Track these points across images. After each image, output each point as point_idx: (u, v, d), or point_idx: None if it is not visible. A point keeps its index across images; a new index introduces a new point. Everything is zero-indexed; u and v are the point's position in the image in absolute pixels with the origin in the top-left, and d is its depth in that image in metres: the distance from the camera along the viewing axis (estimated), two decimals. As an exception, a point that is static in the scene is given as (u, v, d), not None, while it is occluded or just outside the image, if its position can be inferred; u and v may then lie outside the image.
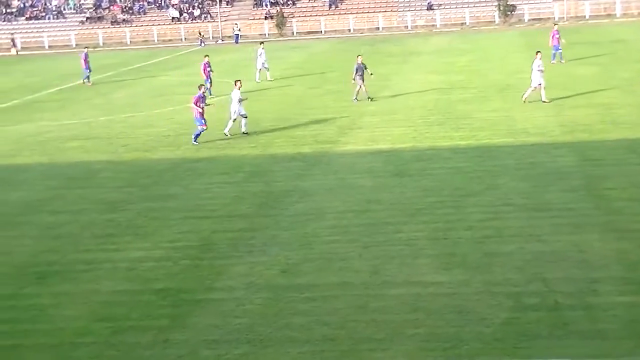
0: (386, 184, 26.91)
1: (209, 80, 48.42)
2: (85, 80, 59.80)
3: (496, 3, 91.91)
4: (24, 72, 74.55)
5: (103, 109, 47.37)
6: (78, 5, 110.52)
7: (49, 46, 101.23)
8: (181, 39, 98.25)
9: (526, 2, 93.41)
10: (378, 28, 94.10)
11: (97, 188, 28.92)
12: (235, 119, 35.96)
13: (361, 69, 42.27)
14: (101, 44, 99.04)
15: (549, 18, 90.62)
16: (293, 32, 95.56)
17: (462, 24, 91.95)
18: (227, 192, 27.16)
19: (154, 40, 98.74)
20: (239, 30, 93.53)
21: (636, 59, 52.89)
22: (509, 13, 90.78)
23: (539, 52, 40.60)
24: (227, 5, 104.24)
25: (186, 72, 65.15)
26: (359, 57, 42.68)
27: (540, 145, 30.82)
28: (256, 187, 27.50)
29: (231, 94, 36.11)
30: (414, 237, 21.37)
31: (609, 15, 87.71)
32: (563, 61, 53.66)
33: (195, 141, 34.94)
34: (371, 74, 42.83)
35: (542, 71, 39.18)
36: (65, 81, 63.19)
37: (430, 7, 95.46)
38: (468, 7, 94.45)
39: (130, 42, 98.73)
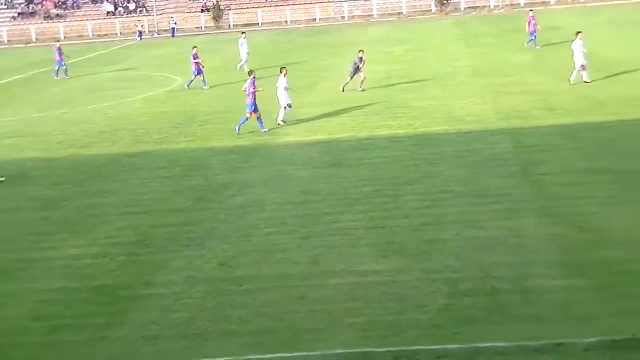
0: (324, 174, 26.92)
1: (198, 71, 47.61)
2: (58, 75, 58.32)
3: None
4: (-44, 70, 73.39)
5: (37, 106, 46.76)
6: (9, 0, 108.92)
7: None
8: (116, 34, 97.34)
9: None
10: (315, 19, 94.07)
11: (31, 185, 28.56)
12: (285, 107, 35.39)
13: (357, 65, 41.59)
14: (34, 40, 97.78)
15: (484, 6, 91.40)
16: (230, 25, 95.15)
17: (398, 13, 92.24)
18: (164, 187, 26.98)
19: (88, 35, 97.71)
20: (175, 23, 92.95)
21: (569, 45, 53.41)
22: (445, 2, 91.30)
23: (579, 32, 40.39)
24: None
25: (122, 66, 64.55)
26: (361, 51, 42.03)
27: (476, 132, 31.04)
28: (194, 181, 27.36)
29: (276, 82, 35.43)
30: (352, 226, 21.41)
31: (543, 3, 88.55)
32: (538, 47, 53.79)
33: (238, 129, 34.18)
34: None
35: (583, 52, 39.17)
36: (-1, 78, 62.28)
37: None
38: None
39: (65, 37, 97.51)
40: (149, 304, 17.58)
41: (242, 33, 56.46)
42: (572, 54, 39.58)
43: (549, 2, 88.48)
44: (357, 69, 41.46)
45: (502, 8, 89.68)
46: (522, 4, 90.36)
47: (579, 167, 25.38)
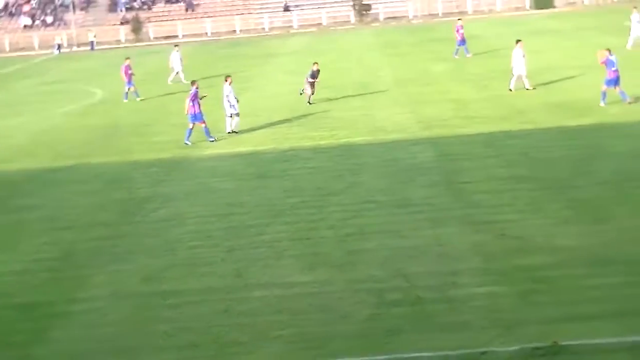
0: (248, 186, 26.89)
1: (131, 83, 46.97)
2: None
3: (352, 3, 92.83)
4: None
5: (-45, 121, 45.87)
6: None
7: None
8: (34, 47, 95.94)
9: (381, 1, 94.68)
10: (235, 31, 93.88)
11: (-50, 203, 28.03)
12: (231, 116, 34.98)
13: (313, 75, 40.82)
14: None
15: (403, 17, 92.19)
16: (150, 37, 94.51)
17: (318, 24, 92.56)
18: (87, 201, 26.69)
19: (5, 49, 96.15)
20: (95, 36, 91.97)
21: (487, 54, 54.21)
22: (365, 12, 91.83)
23: (519, 40, 40.77)
24: (81, 11, 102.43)
25: (41, 80, 63.68)
26: (315, 64, 41.34)
27: (399, 142, 31.30)
28: (117, 195, 27.11)
29: (223, 90, 34.99)
30: (277, 238, 21.41)
31: (460, 13, 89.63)
32: (469, 54, 54.13)
33: (211, 137, 33.87)
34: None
35: (523, 59, 39.58)
36: None
37: (286, 9, 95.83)
38: (324, 7, 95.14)
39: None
40: (74, 321, 17.37)
41: (175, 46, 55.93)
42: (512, 62, 40.06)
43: (467, 11, 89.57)
44: (313, 81, 40.82)
45: (420, 18, 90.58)
46: (440, 14, 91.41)
47: (500, 175, 25.75)
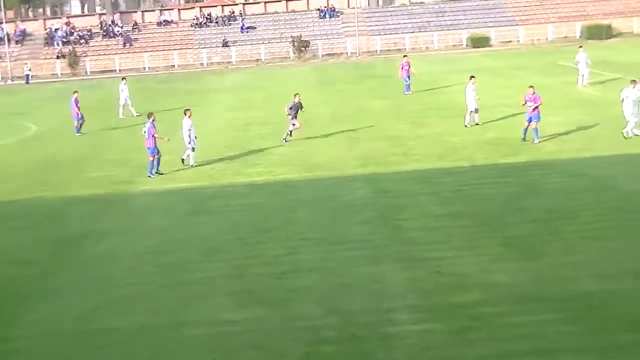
0: (183, 223, 26.71)
1: (80, 116, 46.35)
2: None
3: (290, 39, 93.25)
4: None
5: None
6: None
7: None
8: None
9: (320, 38, 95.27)
10: (174, 65, 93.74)
11: None
12: (194, 148, 35.00)
13: (296, 108, 39.88)
14: None
15: (342, 53, 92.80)
16: (87, 71, 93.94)
17: (257, 60, 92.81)
18: (20, 237, 26.28)
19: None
20: (30, 70, 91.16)
21: (425, 92, 54.59)
22: (303, 49, 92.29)
23: (472, 77, 41.17)
24: (16, 44, 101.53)
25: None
26: (297, 95, 40.63)
27: (335, 178, 31.36)
28: (51, 231, 26.74)
29: (182, 122, 35.06)
30: (212, 275, 21.26)
31: (398, 50, 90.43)
32: (410, 92, 54.30)
33: (151, 174, 33.74)
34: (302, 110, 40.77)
35: (474, 95, 39.99)
36: None
37: (225, 44, 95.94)
38: (263, 43, 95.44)
39: None
40: (2, 361, 17.06)
41: (123, 79, 55.37)
42: (465, 98, 40.39)
43: (405, 49, 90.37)
44: (296, 113, 39.74)
45: (359, 55, 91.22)
46: (378, 51, 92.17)
47: (436, 212, 25.89)
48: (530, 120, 34.93)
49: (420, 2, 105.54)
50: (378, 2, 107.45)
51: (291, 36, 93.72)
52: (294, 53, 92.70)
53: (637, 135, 34.33)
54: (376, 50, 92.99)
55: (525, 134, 35.09)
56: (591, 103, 44.60)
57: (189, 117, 34.85)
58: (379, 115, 46.33)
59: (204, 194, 30.47)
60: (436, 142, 36.83)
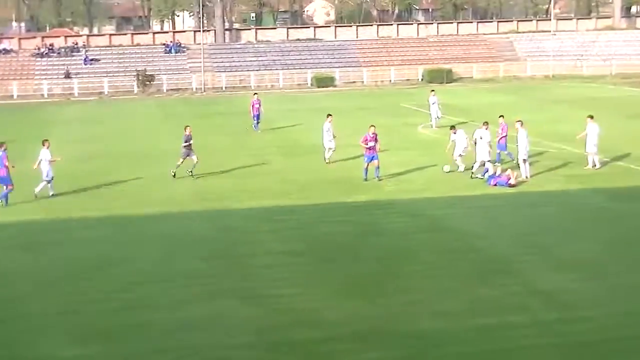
0: (15, 257, 25.86)
1: None
2: None
3: (135, 73, 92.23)
4: None
5: None
6: None
7: None
8: None
9: (164, 72, 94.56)
10: (12, 95, 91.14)
11: None
12: (48, 181, 34.02)
13: (189, 141, 38.24)
14: None
15: (187, 89, 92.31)
16: None
17: (100, 92, 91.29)
18: None
19: None
20: None
21: (269, 130, 54.63)
22: (148, 83, 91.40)
23: (329, 115, 41.25)
24: None
25: None
26: (188, 127, 38.97)
27: (176, 214, 31.04)
28: None
29: (40, 154, 34.08)
30: (45, 311, 20.66)
31: (244, 87, 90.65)
32: (258, 130, 54.13)
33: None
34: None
35: (330, 134, 40.06)
36: None
37: (67, 75, 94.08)
38: (107, 76, 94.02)
39: None
40: None
41: None
42: (323, 136, 40.42)
43: (250, 86, 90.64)
44: (189, 148, 38.23)
45: (204, 91, 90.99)
46: (224, 88, 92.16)
47: (277, 249, 25.92)
48: (372, 159, 35.43)
49: (267, 41, 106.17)
50: (224, 39, 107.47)
51: (136, 70, 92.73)
52: (138, 87, 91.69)
53: (480, 177, 35.18)
54: (222, 87, 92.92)
55: (366, 173, 35.56)
56: (431, 144, 45.60)
57: (47, 147, 34.08)
58: (223, 151, 46.16)
59: (39, 227, 29.65)
60: (280, 180, 36.90)
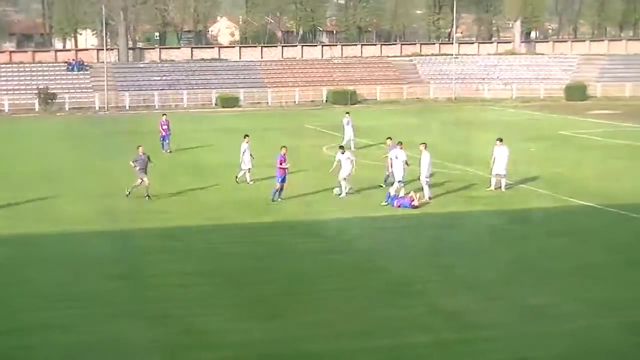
0: None
1: None
2: None
3: (36, 91, 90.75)
4: None
5: None
6: None
7: None
8: None
9: (67, 91, 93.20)
10: None
11: None
12: None
13: (143, 161, 37.27)
14: None
15: (90, 107, 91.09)
16: None
17: (0, 110, 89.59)
18: None
19: None
20: None
21: (175, 150, 54.19)
22: (50, 101, 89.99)
23: (246, 135, 40.91)
24: None
25: None
26: (140, 147, 38.05)
27: (82, 234, 30.66)
28: None
29: None
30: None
31: (148, 107, 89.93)
32: (170, 150, 53.41)
33: None
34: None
35: (248, 155, 39.83)
36: None
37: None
38: (7, 93, 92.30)
39: None
40: None
41: None
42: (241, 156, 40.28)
43: (154, 106, 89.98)
44: (144, 167, 37.25)
45: (107, 110, 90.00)
46: (127, 107, 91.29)
47: (184, 270, 25.81)
48: (283, 181, 35.56)
49: (171, 60, 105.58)
50: (128, 58, 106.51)
51: (37, 87, 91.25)
52: (39, 105, 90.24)
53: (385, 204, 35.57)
54: (125, 106, 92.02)
55: (274, 194, 35.66)
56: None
57: None
58: (128, 172, 45.62)
59: (-62, 247, 28.99)
60: (188, 200, 36.72)
